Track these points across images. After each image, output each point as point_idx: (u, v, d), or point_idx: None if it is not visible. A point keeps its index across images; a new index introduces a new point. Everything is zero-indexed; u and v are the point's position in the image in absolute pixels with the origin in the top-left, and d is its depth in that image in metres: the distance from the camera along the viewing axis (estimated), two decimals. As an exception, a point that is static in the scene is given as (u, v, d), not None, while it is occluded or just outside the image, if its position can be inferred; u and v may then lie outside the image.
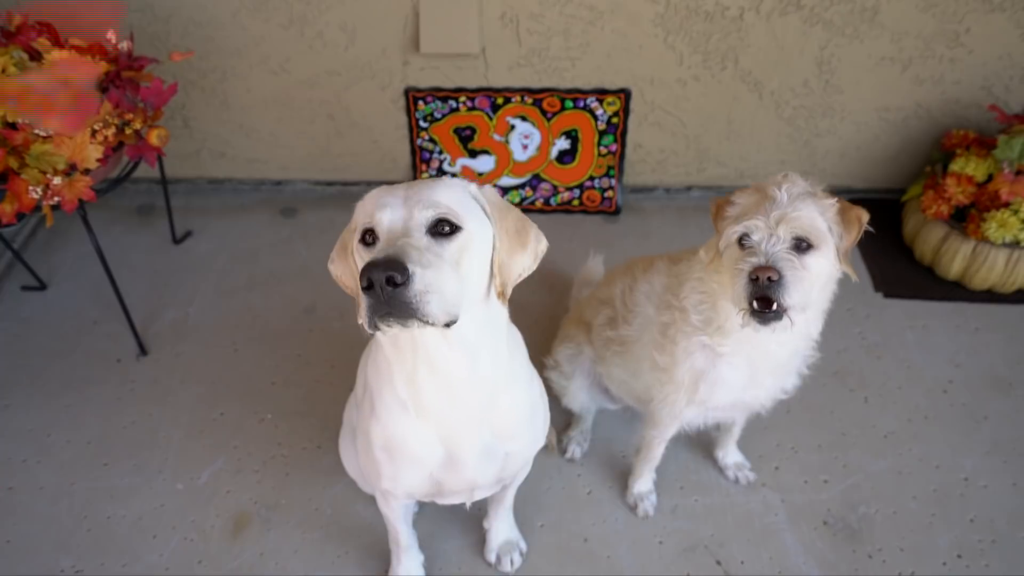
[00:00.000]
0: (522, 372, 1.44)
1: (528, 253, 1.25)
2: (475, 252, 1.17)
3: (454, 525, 2.00)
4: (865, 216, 1.49)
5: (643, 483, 2.02)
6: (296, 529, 2.01)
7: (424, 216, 1.13)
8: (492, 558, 1.92)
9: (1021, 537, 1.99)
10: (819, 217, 1.42)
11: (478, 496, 1.60)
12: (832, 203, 1.45)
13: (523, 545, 1.95)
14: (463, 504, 1.65)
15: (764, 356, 1.59)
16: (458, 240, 1.15)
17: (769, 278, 1.36)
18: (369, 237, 1.16)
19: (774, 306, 1.39)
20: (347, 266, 1.27)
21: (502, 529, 1.91)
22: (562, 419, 2.20)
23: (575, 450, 2.15)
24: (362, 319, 1.09)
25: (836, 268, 1.48)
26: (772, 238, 1.39)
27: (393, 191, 1.19)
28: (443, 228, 1.14)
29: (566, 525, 2.01)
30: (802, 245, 1.41)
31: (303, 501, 2.06)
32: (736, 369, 1.62)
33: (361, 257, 1.18)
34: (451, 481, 1.44)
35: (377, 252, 1.09)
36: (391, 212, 1.14)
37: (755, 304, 1.40)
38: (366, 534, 2.00)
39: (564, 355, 2.08)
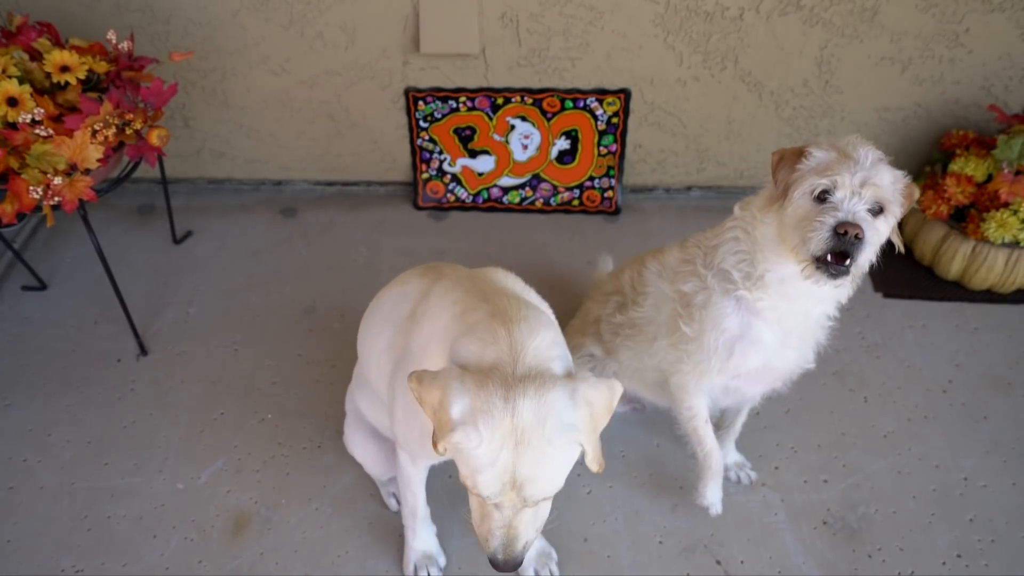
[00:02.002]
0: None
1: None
2: None
3: (455, 525, 2.00)
4: (917, 193, 1.54)
5: (713, 490, 1.95)
6: (296, 529, 2.01)
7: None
8: (530, 573, 1.88)
9: (1021, 537, 1.99)
10: (891, 185, 1.46)
11: None
12: (902, 175, 1.50)
13: (555, 554, 1.92)
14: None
15: (797, 314, 1.62)
16: None
17: (856, 236, 1.39)
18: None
19: (847, 261, 1.42)
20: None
21: None
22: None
23: (575, 451, 2.15)
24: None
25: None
26: (854, 197, 1.43)
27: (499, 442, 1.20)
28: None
29: (566, 525, 2.01)
30: (876, 209, 1.45)
31: (303, 501, 2.06)
32: (769, 325, 1.64)
33: None
34: None
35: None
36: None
37: (829, 257, 1.43)
38: (366, 534, 2.00)
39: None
